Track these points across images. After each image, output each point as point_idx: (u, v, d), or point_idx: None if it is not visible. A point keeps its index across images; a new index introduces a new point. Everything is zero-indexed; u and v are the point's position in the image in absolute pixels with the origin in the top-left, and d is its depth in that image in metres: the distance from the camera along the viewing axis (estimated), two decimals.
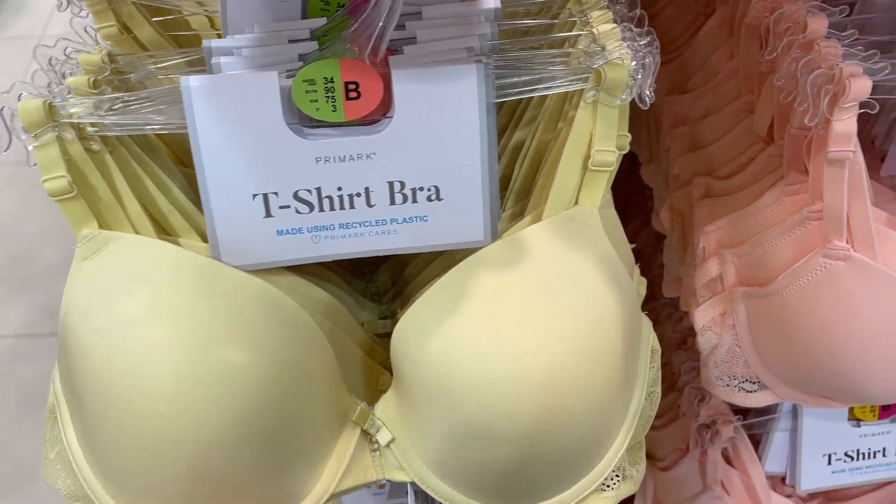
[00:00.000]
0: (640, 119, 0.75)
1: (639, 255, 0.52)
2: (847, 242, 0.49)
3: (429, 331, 0.40)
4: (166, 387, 0.37)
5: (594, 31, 0.44)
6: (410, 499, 0.49)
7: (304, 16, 0.46)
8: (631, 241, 0.49)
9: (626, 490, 0.49)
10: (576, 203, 0.43)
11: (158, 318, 0.38)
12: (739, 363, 0.60)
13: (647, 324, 0.48)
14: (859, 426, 0.75)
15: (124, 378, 0.38)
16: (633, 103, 0.43)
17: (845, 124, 0.44)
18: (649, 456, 0.87)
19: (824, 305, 0.51)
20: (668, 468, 0.83)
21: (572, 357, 0.40)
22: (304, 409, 0.41)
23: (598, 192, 0.43)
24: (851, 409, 0.74)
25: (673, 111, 0.67)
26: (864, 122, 0.52)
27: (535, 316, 0.39)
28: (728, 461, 0.79)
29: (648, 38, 0.43)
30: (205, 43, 0.42)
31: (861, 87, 0.42)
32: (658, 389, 0.49)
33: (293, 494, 0.44)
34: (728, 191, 0.59)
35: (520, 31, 0.48)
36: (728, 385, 0.61)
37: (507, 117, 0.52)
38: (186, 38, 0.54)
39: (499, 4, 0.45)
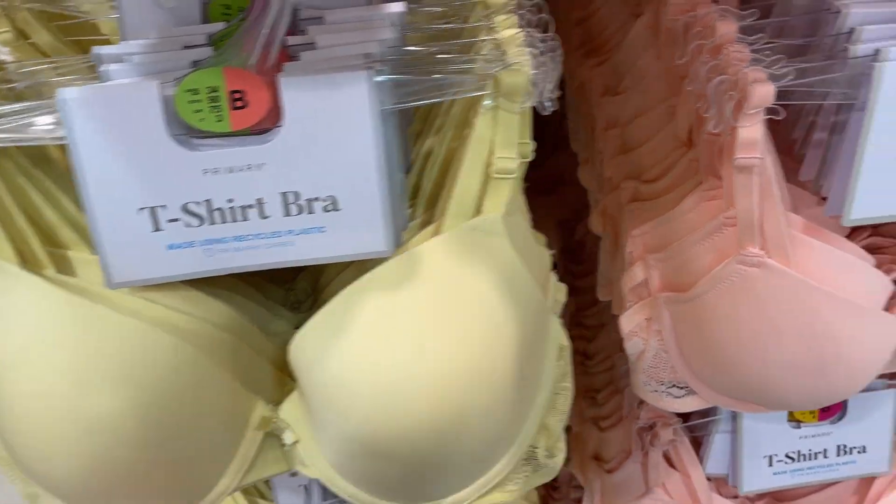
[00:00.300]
0: (580, 119, 0.74)
1: None
2: (761, 249, 0.49)
3: (322, 350, 0.40)
4: (41, 437, 0.37)
5: (497, 36, 0.43)
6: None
7: (206, 20, 0.45)
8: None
9: (537, 480, 0.49)
10: (479, 212, 0.42)
11: (29, 366, 0.37)
12: (666, 368, 0.59)
13: (555, 322, 0.47)
14: (799, 427, 0.75)
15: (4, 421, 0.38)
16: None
17: (750, 131, 0.43)
18: (598, 457, 0.87)
19: (740, 312, 0.51)
20: (614, 470, 0.83)
21: (462, 373, 0.39)
22: (194, 431, 0.41)
23: (502, 200, 0.42)
24: (791, 411, 0.74)
25: (605, 113, 0.66)
26: (787, 125, 0.52)
27: (424, 335, 0.39)
28: (671, 463, 0.78)
29: (550, 44, 0.43)
30: (94, 50, 0.41)
31: (763, 93, 0.42)
32: (568, 384, 0.48)
33: (194, 495, 0.44)
34: (653, 195, 0.59)
35: (429, 37, 0.48)
36: (656, 390, 0.61)
37: (421, 123, 0.51)
38: (95, 44, 0.53)
39: (403, 9, 0.45)
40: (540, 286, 0.46)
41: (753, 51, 0.45)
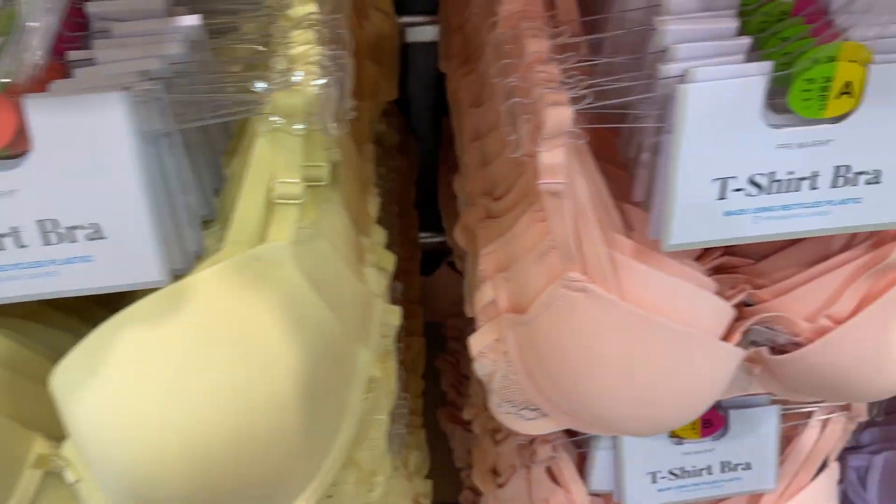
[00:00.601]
0: (457, 129, 0.72)
1: None
2: (583, 273, 0.47)
3: (78, 385, 0.38)
4: None
5: (288, 53, 0.41)
6: None
7: None
8: None
9: None
10: (263, 239, 0.40)
11: None
12: (516, 390, 0.57)
13: (363, 354, 0.46)
14: (682, 444, 0.74)
15: None
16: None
17: (550, 156, 0.41)
18: (494, 471, 0.86)
19: (567, 337, 0.49)
20: (504, 484, 0.82)
21: (227, 412, 0.37)
22: None
23: (288, 226, 0.40)
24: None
25: (471, 124, 0.64)
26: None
27: (185, 372, 0.37)
28: (555, 479, 0.77)
29: (340, 63, 0.41)
30: None
31: (559, 117, 0.40)
32: (383, 417, 0.47)
33: None
34: (501, 212, 0.57)
35: (227, 52, 0.45)
36: (509, 412, 0.59)
37: (236, 140, 0.49)
38: None
39: (197, 22, 0.42)
40: (347, 316, 0.44)
41: (567, 70, 0.43)
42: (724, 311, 0.51)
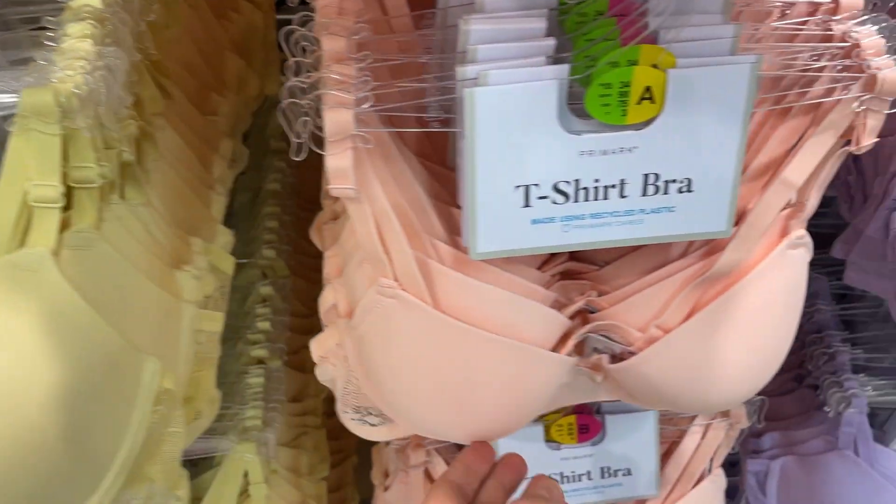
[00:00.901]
0: None
1: None
2: (395, 279, 0.45)
3: None
4: None
5: (64, 45, 0.39)
6: None
7: None
8: None
9: None
10: (23, 244, 0.38)
11: None
12: (358, 395, 0.56)
13: (151, 365, 0.43)
14: (559, 449, 0.72)
15: None
16: None
17: (337, 160, 0.39)
18: (386, 473, 0.84)
19: (385, 343, 0.48)
20: (388, 488, 0.80)
21: None
22: None
23: (49, 231, 0.38)
24: (548, 431, 0.71)
25: None
26: None
27: None
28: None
29: (110, 59, 0.39)
30: None
31: (338, 120, 0.38)
32: (177, 429, 0.45)
33: None
34: (339, 214, 0.55)
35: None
36: (354, 418, 0.58)
37: None
38: None
39: None
40: (133, 324, 0.42)
41: (363, 70, 0.41)
42: (551, 319, 0.50)
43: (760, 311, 0.48)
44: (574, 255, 0.55)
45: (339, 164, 0.39)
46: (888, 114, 0.56)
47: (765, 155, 0.47)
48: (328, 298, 0.55)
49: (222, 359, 0.84)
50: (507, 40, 0.41)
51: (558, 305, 0.53)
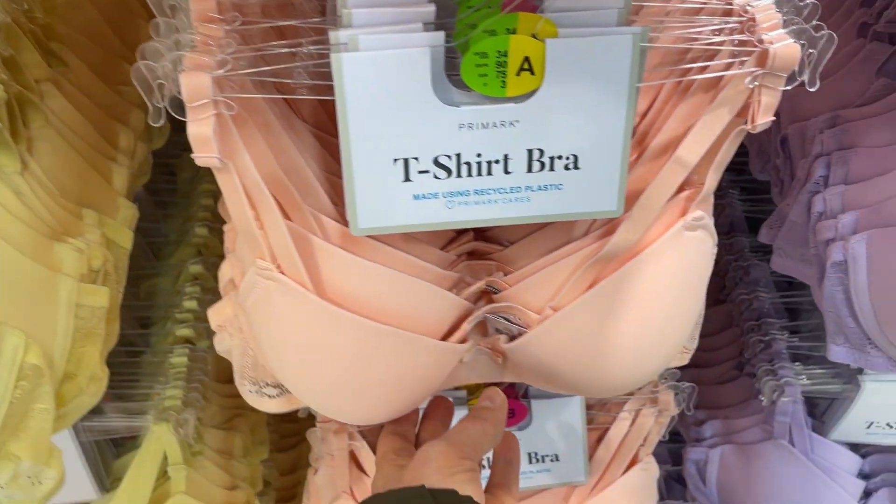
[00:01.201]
0: None
1: None
2: (273, 260, 0.44)
3: None
4: None
5: None
6: None
7: None
8: None
9: None
10: None
11: None
12: (255, 366, 0.55)
13: (12, 339, 0.42)
14: None
15: None
16: None
17: (197, 127, 0.38)
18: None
19: (266, 323, 0.47)
20: (317, 471, 0.79)
21: None
22: None
23: None
24: None
25: None
26: None
27: None
28: (360, 467, 0.74)
29: None
30: None
31: (193, 85, 0.37)
32: (46, 405, 0.44)
33: None
34: None
35: None
36: (251, 391, 0.56)
37: None
38: None
39: None
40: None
41: (231, 32, 0.39)
42: (445, 301, 0.48)
43: (654, 292, 0.46)
44: (481, 235, 0.54)
45: (199, 131, 0.38)
46: (812, 94, 0.55)
47: (665, 134, 0.46)
48: (225, 272, 0.54)
49: (153, 338, 0.83)
50: (384, 5, 0.39)
51: (464, 286, 0.52)
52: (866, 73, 0.55)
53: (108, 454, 0.77)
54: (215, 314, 0.54)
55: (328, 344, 0.45)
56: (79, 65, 0.53)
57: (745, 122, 0.43)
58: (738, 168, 0.91)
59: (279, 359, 0.47)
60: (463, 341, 0.50)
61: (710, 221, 0.48)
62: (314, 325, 0.44)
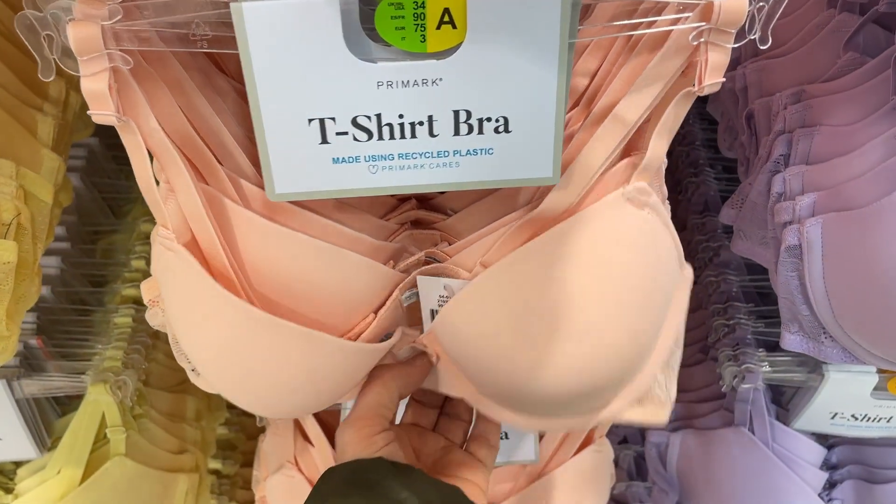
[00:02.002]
0: None
1: None
2: (185, 223, 0.41)
3: None
4: None
5: None
6: None
7: None
8: None
9: None
10: None
11: None
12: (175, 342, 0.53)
13: None
14: None
15: None
16: None
17: (89, 82, 0.35)
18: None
19: (170, 297, 0.44)
20: (265, 438, 0.78)
21: None
22: None
23: None
24: None
25: None
26: None
27: None
28: (306, 437, 0.73)
29: None
30: None
31: (80, 37, 0.34)
32: None
33: None
34: None
35: None
36: (187, 365, 0.54)
37: None
38: None
39: None
40: None
41: None
42: (376, 272, 0.46)
43: (590, 263, 0.42)
44: (425, 204, 0.51)
45: (93, 86, 0.35)
46: (781, 68, 0.51)
47: (608, 96, 0.42)
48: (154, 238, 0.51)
49: (105, 297, 0.81)
50: None
51: (405, 256, 0.49)
52: (835, 45, 0.51)
53: (50, 414, 0.75)
54: (147, 288, 0.51)
55: (220, 329, 0.42)
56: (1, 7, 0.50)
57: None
58: (716, 145, 0.88)
59: (181, 333, 0.45)
60: (388, 329, 0.48)
61: (657, 201, 0.44)
62: (213, 309, 0.41)
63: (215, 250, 0.41)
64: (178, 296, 0.43)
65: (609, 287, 0.43)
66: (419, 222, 0.51)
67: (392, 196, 0.51)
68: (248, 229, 0.42)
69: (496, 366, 0.46)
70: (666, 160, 0.51)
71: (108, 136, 0.85)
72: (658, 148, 0.42)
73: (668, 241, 0.46)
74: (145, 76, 0.38)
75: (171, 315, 0.45)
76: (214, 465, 0.96)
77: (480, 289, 0.44)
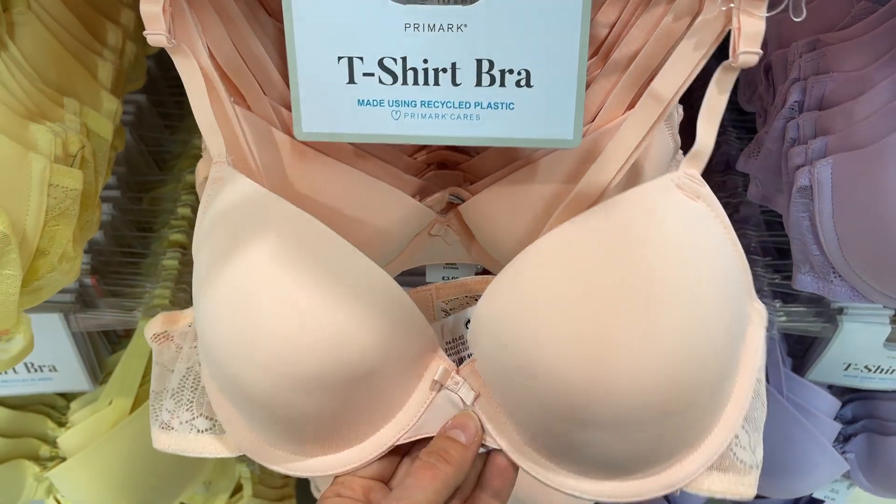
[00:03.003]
0: None
1: None
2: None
3: None
4: None
5: None
6: None
7: None
8: None
9: None
10: None
11: None
12: None
13: None
14: None
15: None
16: None
17: (145, 4, 0.38)
18: None
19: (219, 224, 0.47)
20: None
21: None
22: None
23: None
24: None
25: None
26: None
27: None
28: None
29: None
30: None
31: None
32: (14, 272, 0.45)
33: None
34: None
35: None
36: None
37: None
38: None
39: None
40: None
41: None
42: (404, 203, 0.49)
43: (650, 243, 0.38)
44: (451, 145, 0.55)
45: (149, 8, 0.38)
46: (798, 21, 0.53)
47: (627, 46, 0.45)
48: (201, 170, 0.55)
49: (153, 243, 0.85)
50: None
51: (428, 194, 0.53)
52: None
53: (103, 351, 0.81)
54: (165, 321, 0.51)
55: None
56: None
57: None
58: (738, 108, 0.90)
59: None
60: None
61: (710, 193, 0.40)
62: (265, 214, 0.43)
63: (253, 169, 0.44)
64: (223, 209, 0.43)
65: (685, 276, 0.37)
66: (445, 163, 0.55)
67: None
68: (289, 155, 0.45)
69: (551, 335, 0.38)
70: (682, 112, 0.53)
71: (155, 93, 0.90)
72: (706, 134, 0.39)
73: (730, 249, 0.40)
74: (198, 4, 0.41)
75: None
76: None
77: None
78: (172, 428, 0.48)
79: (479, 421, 0.42)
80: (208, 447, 0.47)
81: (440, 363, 0.43)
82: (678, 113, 0.53)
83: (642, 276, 0.37)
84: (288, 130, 0.46)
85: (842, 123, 0.51)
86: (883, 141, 0.47)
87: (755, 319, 0.43)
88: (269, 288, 0.39)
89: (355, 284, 0.39)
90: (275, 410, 0.41)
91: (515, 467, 0.43)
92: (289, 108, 0.46)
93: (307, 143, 0.46)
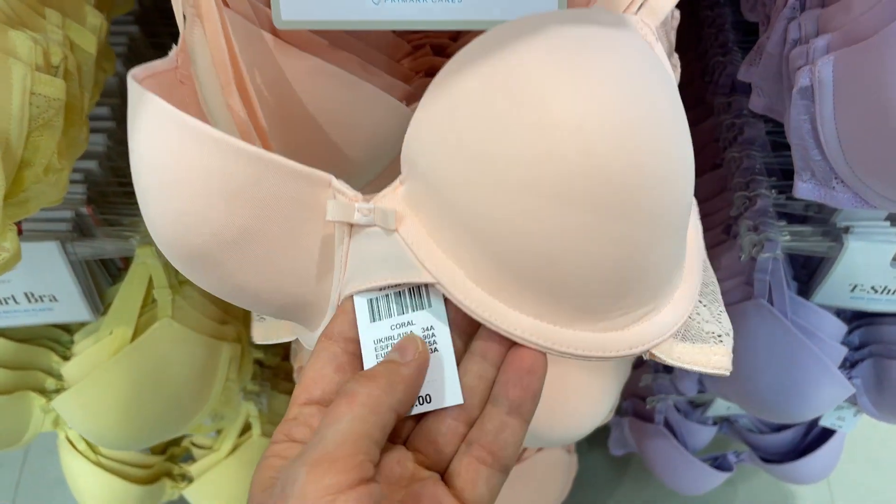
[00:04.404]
0: None
1: None
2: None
3: None
4: None
5: None
6: None
7: None
8: None
9: None
10: None
11: None
12: None
13: None
14: None
15: None
16: None
17: None
18: None
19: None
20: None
21: None
22: None
23: None
24: None
25: None
26: None
27: None
28: None
29: None
30: None
31: None
32: None
33: None
34: None
35: None
36: None
37: None
38: None
39: None
40: None
41: None
42: (390, 106, 0.48)
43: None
44: (439, 53, 0.53)
45: None
46: None
47: None
48: None
49: None
50: None
51: (414, 100, 0.52)
52: None
53: (103, 283, 0.81)
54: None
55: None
56: None
57: None
58: (744, 28, 0.87)
59: None
60: None
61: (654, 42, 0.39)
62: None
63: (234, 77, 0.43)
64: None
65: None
66: (432, 71, 0.53)
67: (408, 43, 0.53)
68: (267, 52, 0.44)
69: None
70: (678, 16, 0.52)
71: (149, 24, 0.88)
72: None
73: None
74: None
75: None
76: (257, 354, 1.01)
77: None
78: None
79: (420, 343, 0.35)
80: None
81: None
82: (674, 17, 0.52)
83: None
84: (265, 26, 0.45)
85: (844, 19, 0.49)
86: (884, 30, 0.45)
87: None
88: None
89: None
90: None
91: (543, 367, 0.34)
92: (266, 3, 0.45)
93: (289, 41, 0.45)
